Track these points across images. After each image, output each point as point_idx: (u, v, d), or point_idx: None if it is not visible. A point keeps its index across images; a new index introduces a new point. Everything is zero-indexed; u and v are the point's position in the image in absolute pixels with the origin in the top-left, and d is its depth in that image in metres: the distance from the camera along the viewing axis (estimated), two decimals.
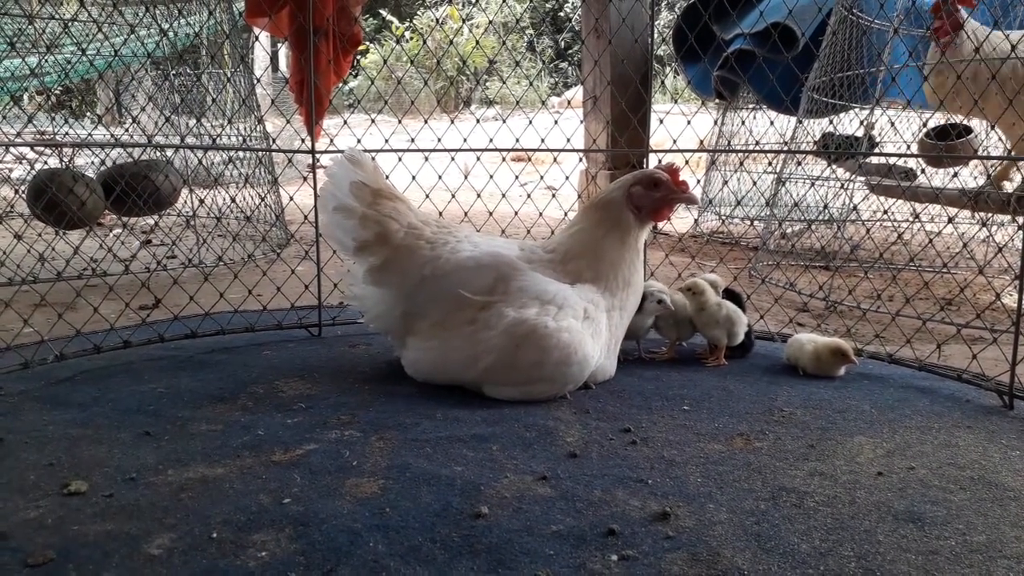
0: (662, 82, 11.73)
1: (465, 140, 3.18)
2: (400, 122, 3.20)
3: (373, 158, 2.68)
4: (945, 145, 4.41)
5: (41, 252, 2.88)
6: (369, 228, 2.52)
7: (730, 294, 2.82)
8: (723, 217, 6.48)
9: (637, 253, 2.57)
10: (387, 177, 2.68)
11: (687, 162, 3.26)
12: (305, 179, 3.09)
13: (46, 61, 5.26)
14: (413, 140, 3.15)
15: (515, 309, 2.32)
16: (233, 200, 4.26)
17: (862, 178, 4.80)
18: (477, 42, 6.50)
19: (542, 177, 3.45)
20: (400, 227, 2.53)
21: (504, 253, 2.49)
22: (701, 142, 3.64)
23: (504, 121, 3.32)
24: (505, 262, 2.45)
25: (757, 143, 5.93)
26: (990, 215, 4.28)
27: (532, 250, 2.55)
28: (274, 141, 3.33)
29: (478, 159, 3.14)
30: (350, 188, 2.53)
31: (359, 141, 3.04)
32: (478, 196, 3.16)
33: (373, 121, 3.20)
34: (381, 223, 2.52)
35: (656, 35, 4.05)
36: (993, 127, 4.00)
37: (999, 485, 1.79)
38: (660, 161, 4.29)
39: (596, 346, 2.39)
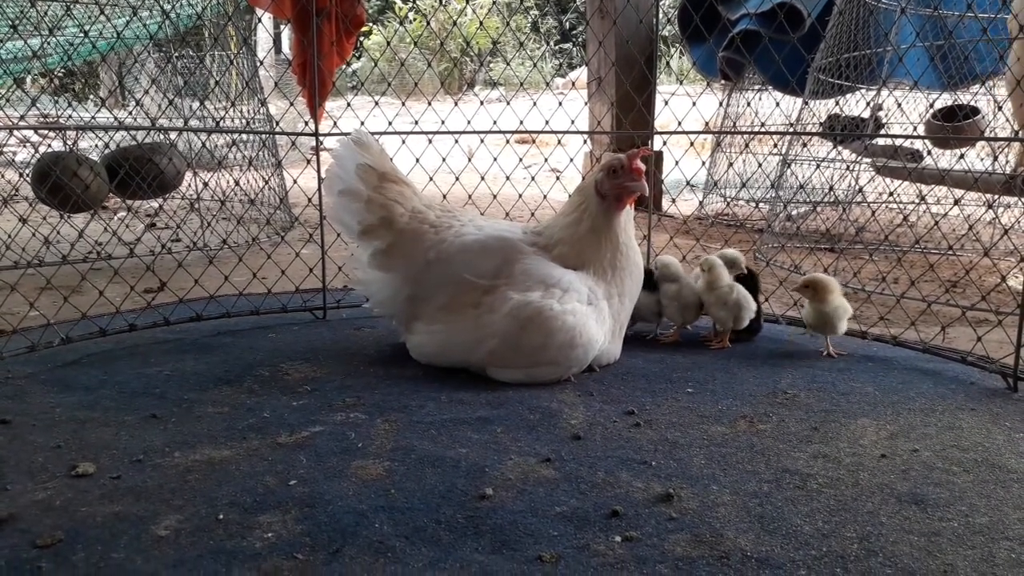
0: (667, 63, 11.64)
1: (469, 122, 3.17)
2: (404, 104, 3.18)
3: (378, 140, 2.67)
4: (952, 127, 4.37)
5: (46, 236, 2.88)
6: (374, 212, 2.52)
7: (747, 274, 2.78)
8: (728, 199, 6.46)
9: (614, 239, 2.47)
10: (391, 160, 2.68)
11: (692, 144, 3.24)
12: (309, 162, 3.08)
13: (48, 43, 5.23)
14: (417, 122, 3.13)
15: (519, 292, 2.32)
16: (237, 183, 4.26)
17: (868, 160, 4.77)
18: (481, 23, 6.44)
19: (546, 159, 3.43)
20: (405, 211, 2.54)
21: (509, 236, 2.49)
22: (706, 124, 3.62)
23: (508, 103, 3.30)
24: (510, 245, 2.45)
25: (763, 125, 5.89)
26: (996, 197, 4.25)
27: (532, 234, 2.55)
28: (277, 124, 3.32)
29: (482, 141, 3.13)
30: (356, 171, 2.53)
31: (363, 123, 3.02)
32: (482, 179, 3.15)
33: (376, 103, 3.18)
34: (386, 207, 2.52)
35: (661, 15, 4.01)
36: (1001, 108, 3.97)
37: (1002, 467, 1.79)
38: (665, 143, 4.25)
39: (601, 330, 2.39)
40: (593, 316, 2.36)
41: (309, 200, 3.04)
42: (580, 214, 2.50)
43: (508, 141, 3.20)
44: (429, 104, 3.20)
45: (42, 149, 4.73)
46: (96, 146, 5.70)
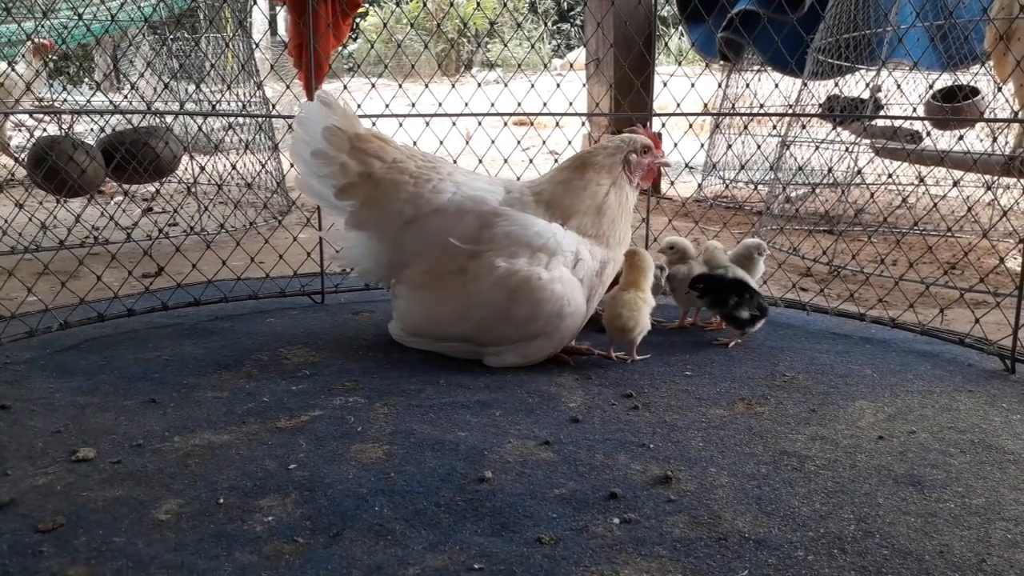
0: (666, 44, 11.55)
1: (466, 104, 3.15)
2: (400, 86, 3.16)
3: (375, 124, 2.63)
4: (952, 107, 4.35)
5: (43, 220, 2.88)
6: (351, 172, 2.44)
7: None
8: (727, 181, 6.43)
9: (629, 214, 2.56)
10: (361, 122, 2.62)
11: (691, 125, 3.22)
12: None
13: (43, 26, 5.18)
14: (414, 105, 3.11)
15: (505, 259, 2.27)
16: (234, 167, 4.23)
17: (867, 141, 4.75)
18: (478, 3, 6.41)
19: (544, 142, 3.42)
20: (384, 164, 2.46)
21: (486, 197, 2.42)
22: (705, 105, 3.60)
23: (506, 85, 3.28)
24: (487, 210, 2.38)
25: (762, 106, 5.86)
26: (995, 178, 4.24)
27: (522, 192, 2.48)
28: (274, 107, 3.30)
29: (479, 124, 3.11)
30: (323, 134, 2.43)
31: (359, 106, 3.00)
32: (480, 162, 3.13)
33: (373, 85, 3.17)
34: (366, 163, 2.44)
35: None
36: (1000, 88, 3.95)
37: (999, 448, 1.80)
38: (664, 124, 4.24)
39: (585, 292, 2.38)
40: (580, 277, 2.33)
41: None
42: (605, 190, 2.47)
43: (506, 123, 3.18)
44: (426, 86, 3.19)
45: (37, 133, 4.70)
46: (92, 130, 5.66)
